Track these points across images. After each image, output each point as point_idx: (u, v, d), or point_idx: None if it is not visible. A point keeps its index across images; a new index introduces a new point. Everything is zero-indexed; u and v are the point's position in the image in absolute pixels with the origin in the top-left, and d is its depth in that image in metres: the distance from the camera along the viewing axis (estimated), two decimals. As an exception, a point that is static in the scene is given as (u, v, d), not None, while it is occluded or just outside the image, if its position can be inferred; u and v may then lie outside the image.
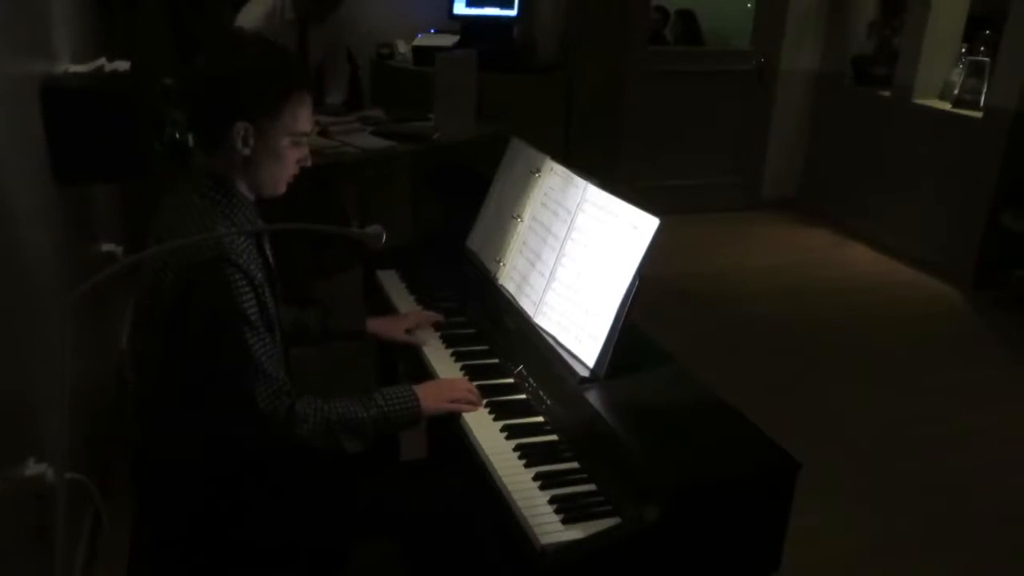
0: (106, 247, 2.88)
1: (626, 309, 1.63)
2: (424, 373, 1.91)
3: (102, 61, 2.50)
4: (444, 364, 1.91)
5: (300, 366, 1.62)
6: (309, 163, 1.67)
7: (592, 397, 1.61)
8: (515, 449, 1.61)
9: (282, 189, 1.66)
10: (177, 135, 3.24)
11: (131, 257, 1.44)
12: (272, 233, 1.72)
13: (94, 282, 1.30)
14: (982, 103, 4.60)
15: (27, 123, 1.97)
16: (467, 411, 1.72)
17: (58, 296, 2.05)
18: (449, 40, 4.84)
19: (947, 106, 4.80)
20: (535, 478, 1.53)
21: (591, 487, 1.51)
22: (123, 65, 2.50)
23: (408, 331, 2.03)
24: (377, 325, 2.05)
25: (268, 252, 1.69)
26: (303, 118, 1.60)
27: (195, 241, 1.48)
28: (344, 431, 1.59)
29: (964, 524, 2.71)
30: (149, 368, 1.60)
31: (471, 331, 2.04)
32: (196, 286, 1.47)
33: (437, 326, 2.06)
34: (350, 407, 1.61)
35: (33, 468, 1.68)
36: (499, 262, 2.04)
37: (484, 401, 1.75)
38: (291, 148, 1.60)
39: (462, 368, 1.89)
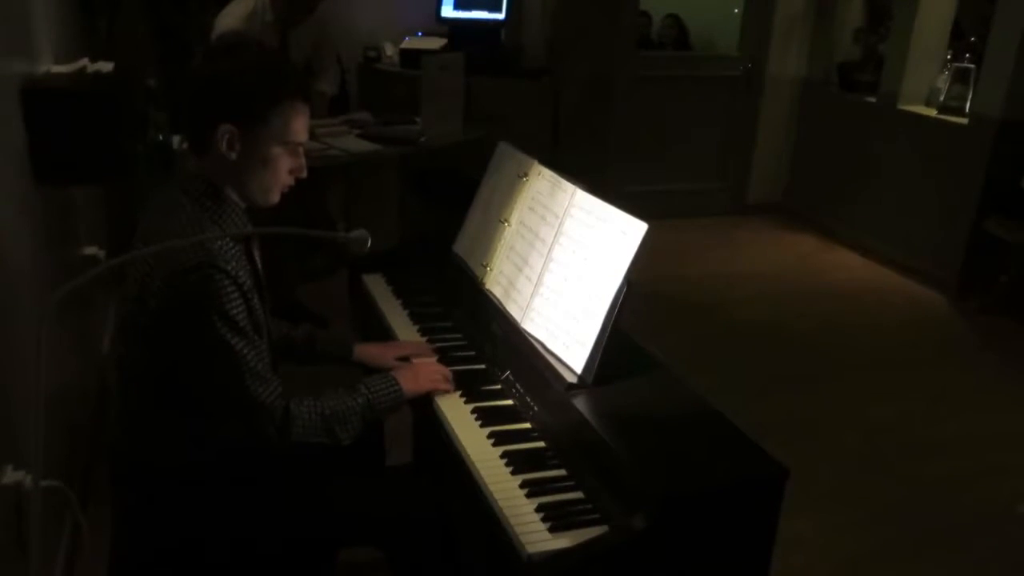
0: (88, 250, 2.85)
1: (614, 314, 1.62)
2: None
3: (84, 62, 2.48)
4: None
5: (286, 382, 1.60)
6: (304, 174, 1.63)
7: (580, 403, 1.59)
8: (502, 456, 1.59)
9: (274, 199, 1.62)
10: (160, 137, 3.21)
11: (113, 260, 1.42)
12: (261, 239, 1.70)
13: (74, 285, 1.27)
14: (967, 109, 4.63)
15: (7, 124, 1.95)
16: (442, 391, 1.77)
17: (37, 299, 2.02)
18: (437, 43, 4.83)
19: (933, 112, 4.83)
20: (522, 486, 1.51)
21: (578, 495, 1.50)
22: (106, 66, 2.47)
23: (398, 359, 1.92)
24: (365, 352, 1.95)
25: (257, 258, 1.67)
26: (296, 127, 1.56)
27: (182, 245, 1.45)
28: (338, 423, 1.62)
29: (949, 530, 2.71)
30: (133, 373, 1.57)
31: (457, 336, 2.03)
32: (183, 292, 1.45)
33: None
34: (339, 399, 1.64)
35: (10, 476, 1.65)
36: (486, 267, 2.02)
37: (471, 407, 1.74)
38: (283, 157, 1.57)
39: (449, 373, 1.87)
